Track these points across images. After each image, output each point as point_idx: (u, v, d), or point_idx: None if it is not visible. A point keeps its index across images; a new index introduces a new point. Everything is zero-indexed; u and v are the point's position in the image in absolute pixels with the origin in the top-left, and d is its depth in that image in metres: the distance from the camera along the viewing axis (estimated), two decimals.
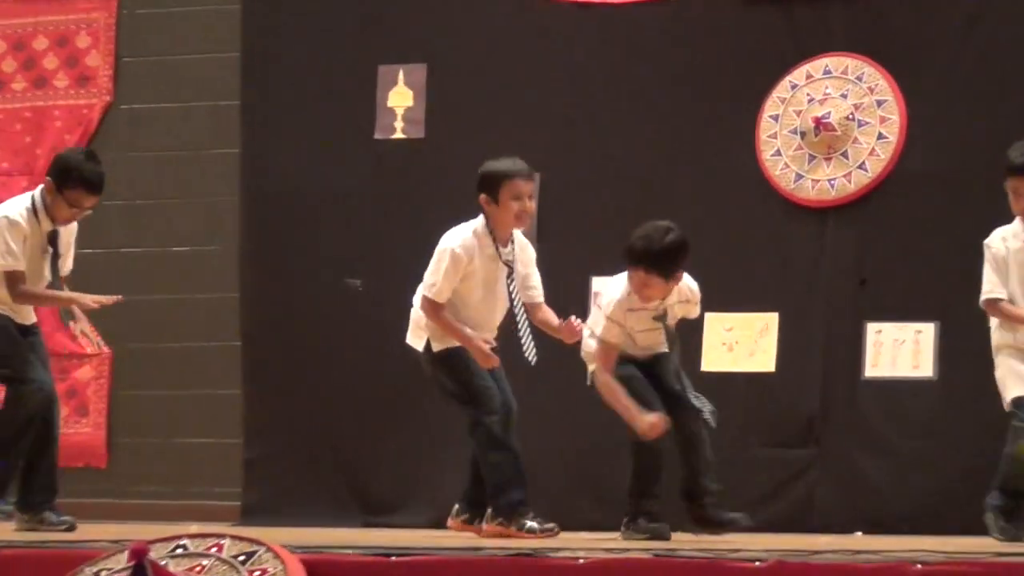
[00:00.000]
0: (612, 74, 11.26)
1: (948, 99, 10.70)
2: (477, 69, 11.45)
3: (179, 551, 6.97)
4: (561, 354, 10.96)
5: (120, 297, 9.67)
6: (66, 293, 9.72)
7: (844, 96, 10.84)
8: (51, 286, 9.66)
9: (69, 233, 9.65)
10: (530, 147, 11.27)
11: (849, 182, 10.75)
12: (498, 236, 8.95)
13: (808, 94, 10.91)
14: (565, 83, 11.29)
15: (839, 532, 9.84)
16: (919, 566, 6.28)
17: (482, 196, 8.94)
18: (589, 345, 8.99)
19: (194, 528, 7.77)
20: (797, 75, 10.96)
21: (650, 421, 8.61)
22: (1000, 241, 9.01)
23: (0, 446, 9.52)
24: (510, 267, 8.97)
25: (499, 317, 9.08)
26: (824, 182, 10.81)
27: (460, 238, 8.92)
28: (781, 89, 10.96)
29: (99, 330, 12.14)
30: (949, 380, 10.52)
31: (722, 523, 8.77)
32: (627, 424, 8.69)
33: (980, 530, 9.72)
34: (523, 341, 9.00)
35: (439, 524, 10.66)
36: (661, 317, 8.83)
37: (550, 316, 9.06)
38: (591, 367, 9.05)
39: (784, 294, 10.16)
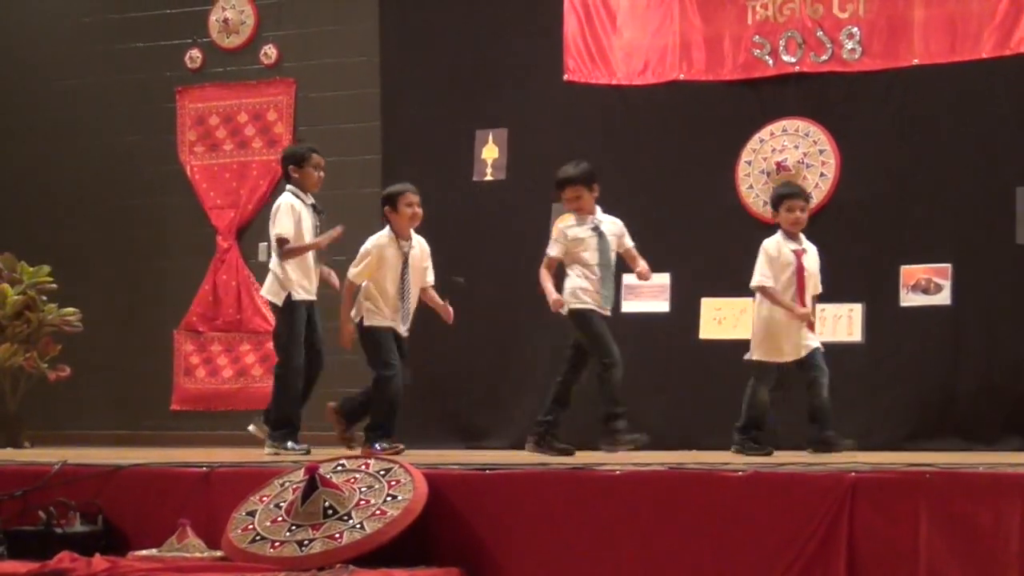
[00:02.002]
0: (635, 132, 11.16)
1: (868, 149, 10.57)
2: (541, 132, 11.36)
3: (339, 468, 6.97)
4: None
5: (340, 230, 9.29)
6: (314, 239, 9.24)
7: (796, 147, 10.72)
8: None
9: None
10: None
11: None
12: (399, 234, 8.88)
13: (772, 146, 10.80)
14: (603, 139, 11.18)
15: (795, 450, 9.71)
16: (853, 473, 6.21)
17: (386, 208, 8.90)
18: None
19: (348, 452, 7.80)
20: (764, 133, 10.84)
21: (556, 297, 8.71)
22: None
23: (285, 394, 9.27)
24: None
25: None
26: None
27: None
28: (753, 142, 10.85)
29: None
30: (872, 343, 10.43)
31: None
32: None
33: (895, 447, 9.62)
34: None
35: (517, 446, 10.61)
36: (596, 228, 8.81)
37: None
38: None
39: None
